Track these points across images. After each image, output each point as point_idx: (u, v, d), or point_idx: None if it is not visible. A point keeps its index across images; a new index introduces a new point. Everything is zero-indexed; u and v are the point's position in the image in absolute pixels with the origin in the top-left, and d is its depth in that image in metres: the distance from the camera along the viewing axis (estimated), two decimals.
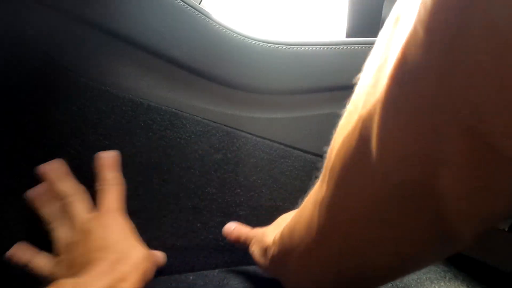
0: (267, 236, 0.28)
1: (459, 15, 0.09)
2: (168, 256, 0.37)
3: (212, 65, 0.41)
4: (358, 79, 0.15)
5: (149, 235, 0.38)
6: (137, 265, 0.27)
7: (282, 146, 0.43)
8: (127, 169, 0.37)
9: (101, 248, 0.27)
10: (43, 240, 0.33)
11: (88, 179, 0.36)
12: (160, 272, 0.37)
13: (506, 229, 0.37)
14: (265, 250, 0.27)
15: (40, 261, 0.31)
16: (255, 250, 0.30)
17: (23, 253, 0.31)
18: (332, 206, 0.16)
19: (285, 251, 0.22)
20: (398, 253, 0.14)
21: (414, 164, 0.11)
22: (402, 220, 0.13)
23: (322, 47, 0.43)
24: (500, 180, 0.10)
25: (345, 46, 0.43)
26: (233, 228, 0.36)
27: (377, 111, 0.12)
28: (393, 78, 0.11)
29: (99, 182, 0.34)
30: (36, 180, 0.35)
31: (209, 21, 0.40)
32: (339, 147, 0.15)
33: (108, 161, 0.34)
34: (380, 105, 0.12)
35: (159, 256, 0.36)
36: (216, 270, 0.40)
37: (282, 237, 0.23)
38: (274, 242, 0.25)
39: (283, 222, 0.30)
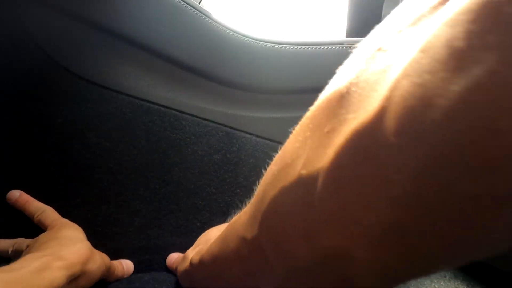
0: (187, 258, 0.27)
1: None
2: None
3: (212, 65, 0.40)
4: None
5: (149, 234, 0.38)
6: (79, 253, 0.28)
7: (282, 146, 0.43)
8: (128, 170, 0.37)
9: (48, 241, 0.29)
10: None
11: (88, 179, 0.36)
12: (163, 268, 0.37)
13: None
14: (184, 272, 0.27)
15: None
16: (178, 272, 0.30)
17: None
18: (258, 251, 0.16)
19: (208, 276, 0.22)
20: None
21: (346, 232, 0.11)
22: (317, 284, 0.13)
23: (322, 47, 0.43)
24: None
25: (345, 46, 0.43)
26: (173, 258, 0.36)
27: (321, 177, 0.11)
28: (347, 148, 0.10)
29: (33, 215, 0.34)
30: (36, 181, 0.35)
31: (209, 20, 0.40)
32: (275, 196, 0.14)
33: (23, 197, 0.34)
34: (324, 173, 0.11)
35: (116, 265, 0.35)
36: None
37: (202, 260, 0.22)
38: (192, 265, 0.24)
39: (203, 240, 0.30)
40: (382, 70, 0.10)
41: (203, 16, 0.39)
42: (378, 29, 0.12)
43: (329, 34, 0.68)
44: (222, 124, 0.41)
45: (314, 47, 0.42)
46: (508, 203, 0.08)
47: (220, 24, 0.40)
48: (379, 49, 0.11)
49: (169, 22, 0.38)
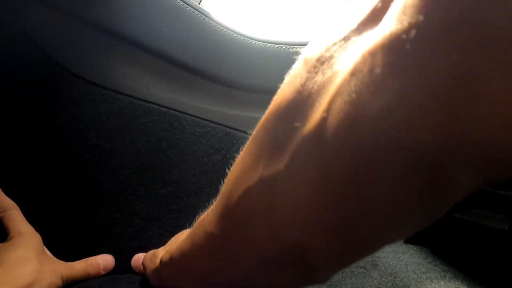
0: (157, 257, 0.28)
1: None
2: None
3: (212, 65, 0.40)
4: None
5: (149, 235, 0.38)
6: (23, 279, 0.28)
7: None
8: (128, 170, 0.37)
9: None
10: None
11: (88, 180, 0.36)
12: None
13: (506, 229, 0.37)
14: (154, 271, 0.27)
15: None
16: (147, 272, 0.30)
17: None
18: (224, 247, 0.17)
19: (177, 273, 0.23)
20: None
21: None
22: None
23: None
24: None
25: None
26: (137, 259, 0.36)
27: (279, 178, 0.13)
28: (297, 152, 0.12)
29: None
30: (36, 181, 0.35)
31: (208, 21, 0.39)
32: (241, 195, 0.15)
33: None
34: (281, 174, 0.13)
35: (90, 264, 0.34)
36: None
37: (171, 258, 0.23)
38: (162, 263, 0.24)
39: (174, 241, 0.30)
40: (322, 83, 0.12)
41: (203, 17, 0.39)
42: (318, 37, 0.13)
43: None
44: (222, 124, 0.41)
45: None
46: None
47: (220, 24, 0.40)
48: (318, 61, 0.12)
49: (169, 22, 0.38)
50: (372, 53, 0.10)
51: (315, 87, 0.12)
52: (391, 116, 0.09)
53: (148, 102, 0.38)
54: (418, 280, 0.39)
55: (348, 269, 0.41)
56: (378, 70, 0.10)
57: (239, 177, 0.15)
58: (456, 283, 0.39)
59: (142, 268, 0.33)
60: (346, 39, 0.11)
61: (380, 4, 0.11)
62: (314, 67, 0.12)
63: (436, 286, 0.38)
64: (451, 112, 0.09)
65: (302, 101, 0.12)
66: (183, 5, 0.38)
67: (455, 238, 0.45)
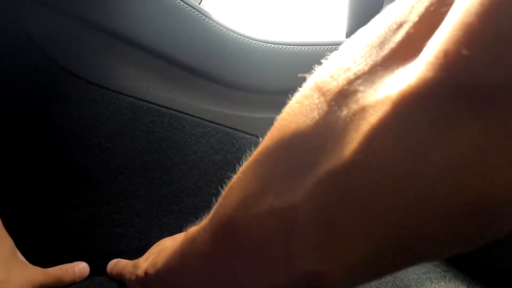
0: (139, 267, 0.27)
1: None
2: None
3: (212, 65, 0.40)
4: None
5: (150, 235, 0.38)
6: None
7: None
8: (128, 170, 0.37)
9: None
10: (37, 242, 0.33)
11: (88, 180, 0.36)
12: None
13: None
14: (138, 280, 0.26)
15: None
16: (127, 281, 0.29)
17: None
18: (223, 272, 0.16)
19: (159, 285, 0.22)
20: None
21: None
22: None
23: (322, 47, 0.43)
24: None
25: None
26: (114, 264, 0.35)
27: (299, 211, 0.12)
28: (323, 185, 0.12)
29: None
30: (37, 181, 0.35)
31: (209, 21, 0.40)
32: (247, 222, 0.14)
33: None
34: (302, 207, 0.12)
35: (65, 271, 0.33)
36: None
37: (159, 273, 0.22)
38: (147, 275, 0.24)
39: (156, 250, 0.30)
40: (349, 118, 0.11)
41: (203, 17, 0.39)
42: (333, 61, 0.13)
43: (329, 34, 0.68)
44: (222, 125, 0.41)
45: (314, 47, 0.42)
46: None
47: (220, 24, 0.40)
48: (340, 93, 0.12)
49: (169, 22, 0.38)
50: (420, 95, 0.09)
51: (340, 122, 0.11)
52: (453, 169, 0.09)
53: (148, 102, 0.38)
54: (418, 280, 0.39)
55: None
56: (429, 115, 0.09)
57: (243, 203, 0.15)
58: (456, 283, 0.39)
59: (116, 274, 0.32)
60: (371, 72, 0.11)
61: (412, 33, 0.10)
62: (336, 100, 0.12)
63: (436, 287, 0.38)
64: (506, 158, 0.08)
65: (324, 135, 0.12)
66: (183, 5, 0.38)
67: None
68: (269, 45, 0.42)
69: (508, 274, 0.37)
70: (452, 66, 0.09)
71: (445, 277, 0.40)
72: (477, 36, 0.08)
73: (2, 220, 0.34)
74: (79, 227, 0.36)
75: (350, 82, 0.11)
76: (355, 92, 0.11)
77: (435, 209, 0.09)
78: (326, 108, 0.12)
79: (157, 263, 0.22)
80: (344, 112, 0.11)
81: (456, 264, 0.44)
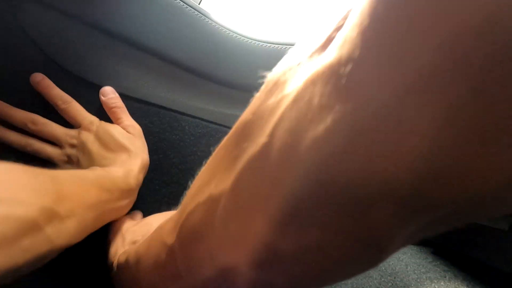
0: (124, 243, 0.28)
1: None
2: None
3: (212, 65, 0.40)
4: None
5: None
6: (142, 160, 0.34)
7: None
8: None
9: (114, 149, 0.34)
10: None
11: None
12: None
13: (506, 229, 0.37)
14: (113, 274, 0.27)
15: (48, 149, 0.35)
16: (110, 242, 0.30)
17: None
18: (175, 261, 0.16)
19: (130, 274, 0.22)
20: None
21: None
22: None
23: None
24: None
25: None
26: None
27: (223, 198, 0.13)
28: (241, 174, 0.12)
29: (56, 102, 0.35)
30: None
31: (208, 21, 0.39)
32: (191, 210, 0.15)
33: (45, 82, 0.34)
34: (225, 195, 0.12)
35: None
36: None
37: (127, 261, 0.22)
38: (119, 266, 0.24)
39: (144, 229, 0.30)
40: (272, 106, 0.12)
41: (203, 17, 0.39)
42: (283, 60, 0.13)
43: None
44: (221, 125, 0.41)
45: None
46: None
47: (219, 24, 0.40)
48: (275, 84, 0.12)
49: (169, 22, 0.38)
50: (313, 82, 0.10)
51: (268, 110, 0.12)
52: (321, 149, 0.09)
53: (148, 102, 0.38)
54: (418, 280, 0.39)
55: None
56: (315, 100, 0.10)
57: (195, 193, 0.15)
58: (456, 283, 0.39)
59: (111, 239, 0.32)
60: (299, 64, 0.12)
61: (334, 34, 0.11)
62: (271, 90, 0.12)
63: (436, 286, 0.38)
64: (376, 149, 0.09)
65: (254, 123, 0.12)
66: (183, 5, 0.38)
67: (455, 238, 0.45)
68: (269, 45, 0.42)
69: (508, 274, 0.37)
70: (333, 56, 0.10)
71: (445, 277, 0.40)
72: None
73: None
74: None
75: (285, 73, 0.12)
76: (285, 81, 0.12)
77: (317, 196, 0.10)
78: (263, 97, 0.13)
79: (129, 252, 0.22)
80: (272, 99, 0.12)
81: (456, 264, 0.44)
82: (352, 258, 0.10)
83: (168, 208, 0.39)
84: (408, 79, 0.08)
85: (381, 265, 0.42)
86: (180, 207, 0.17)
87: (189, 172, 0.40)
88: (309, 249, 0.10)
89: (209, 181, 0.14)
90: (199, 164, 0.40)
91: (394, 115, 0.08)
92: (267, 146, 0.11)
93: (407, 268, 0.42)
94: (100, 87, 0.37)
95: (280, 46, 0.42)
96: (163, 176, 0.39)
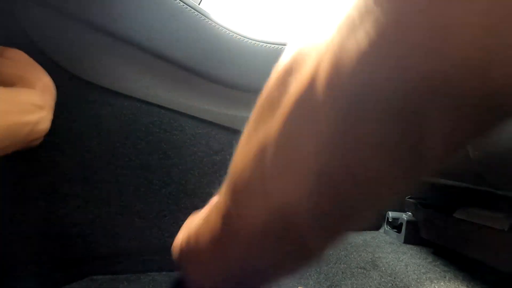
0: (177, 238, 0.29)
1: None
2: (169, 255, 0.38)
3: (212, 65, 0.41)
4: None
5: (150, 234, 0.38)
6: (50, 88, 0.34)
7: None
8: (129, 171, 0.37)
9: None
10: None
11: (89, 180, 0.36)
12: (162, 269, 0.37)
13: (506, 229, 0.36)
14: (177, 259, 0.28)
15: None
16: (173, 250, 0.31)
17: None
18: (232, 222, 0.17)
19: (192, 254, 0.23)
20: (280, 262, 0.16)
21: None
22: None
23: None
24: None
25: None
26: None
27: (270, 145, 0.13)
28: (289, 116, 0.13)
29: None
30: (37, 182, 0.35)
31: (208, 21, 0.40)
32: (242, 165, 0.15)
33: None
34: (273, 139, 0.13)
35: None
36: None
37: (188, 242, 0.23)
38: (182, 250, 0.25)
39: (191, 224, 0.31)
40: (311, 47, 0.12)
41: (203, 17, 0.39)
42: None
43: None
44: (222, 125, 0.41)
45: None
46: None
47: (219, 25, 0.40)
48: (286, 70, 0.13)
49: (169, 23, 0.38)
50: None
51: (305, 50, 0.13)
52: (368, 59, 0.10)
53: (148, 102, 0.38)
54: (418, 280, 0.39)
55: (348, 270, 0.41)
56: (355, 16, 0.10)
57: (242, 149, 0.16)
58: (456, 283, 0.39)
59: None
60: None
61: None
62: (283, 77, 0.13)
63: (436, 287, 0.38)
64: (421, 47, 0.09)
65: (297, 61, 0.13)
66: (183, 5, 0.38)
67: (455, 238, 0.45)
68: (269, 45, 0.42)
69: (508, 274, 0.37)
70: None
71: (445, 277, 0.40)
72: None
73: (1, 220, 0.34)
74: (79, 227, 0.36)
75: (296, 60, 0.13)
76: (297, 68, 0.12)
77: (366, 112, 0.10)
78: (300, 43, 0.13)
79: (190, 235, 0.23)
80: (308, 42, 0.13)
81: (456, 264, 0.44)
82: (402, 171, 0.11)
83: (167, 208, 0.39)
84: None
85: (381, 265, 0.42)
86: (229, 174, 0.18)
87: (189, 172, 0.40)
88: (357, 170, 0.11)
89: (254, 129, 0.15)
90: (199, 164, 0.40)
91: (439, 11, 0.09)
92: (314, 78, 0.12)
93: (407, 268, 0.42)
94: (100, 87, 0.37)
95: (280, 46, 0.42)
96: (163, 176, 0.39)
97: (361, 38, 0.10)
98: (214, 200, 0.20)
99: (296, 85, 0.12)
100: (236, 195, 0.16)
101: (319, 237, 0.14)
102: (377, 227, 0.61)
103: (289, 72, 0.13)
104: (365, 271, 0.40)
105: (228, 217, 0.17)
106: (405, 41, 0.09)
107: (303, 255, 0.15)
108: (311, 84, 0.12)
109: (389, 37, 0.10)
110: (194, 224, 0.23)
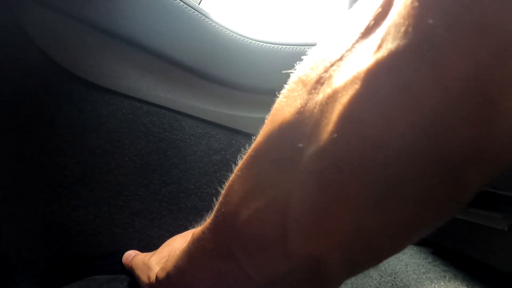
0: (151, 269, 0.28)
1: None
2: None
3: (212, 65, 0.41)
4: None
5: (150, 234, 0.38)
6: None
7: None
8: (128, 170, 0.37)
9: None
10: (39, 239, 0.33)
11: (89, 180, 0.36)
12: None
13: (506, 229, 0.36)
14: (149, 282, 0.26)
15: None
16: (140, 282, 0.29)
17: None
18: (242, 273, 0.16)
19: None
20: None
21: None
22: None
23: None
24: None
25: None
26: (130, 257, 0.34)
27: (292, 198, 0.13)
28: (309, 172, 0.12)
29: None
30: (37, 182, 0.35)
31: (208, 21, 0.40)
32: (249, 215, 0.15)
33: None
34: (293, 197, 0.13)
35: None
36: None
37: (169, 276, 0.22)
38: (158, 280, 0.24)
39: (166, 250, 0.30)
40: (324, 102, 0.12)
41: (203, 17, 0.39)
42: (312, 56, 0.14)
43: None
44: (221, 125, 0.41)
45: (314, 47, 0.42)
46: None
47: (219, 25, 0.40)
48: (317, 82, 0.12)
49: (169, 22, 0.38)
50: (383, 68, 0.10)
51: (317, 107, 0.12)
52: (415, 129, 0.10)
53: (148, 102, 0.38)
54: (418, 280, 0.39)
55: None
56: (393, 86, 0.10)
57: (244, 199, 0.15)
58: (456, 283, 0.39)
59: (129, 267, 0.33)
60: (342, 58, 0.12)
61: (372, 23, 0.11)
62: (315, 88, 0.12)
63: (436, 287, 0.38)
64: (466, 119, 0.09)
65: (305, 122, 0.12)
66: (183, 5, 0.38)
67: (455, 238, 0.45)
68: (269, 45, 0.42)
69: (508, 274, 0.37)
70: (414, 35, 0.09)
71: (445, 277, 0.40)
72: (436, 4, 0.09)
73: (1, 220, 0.34)
74: (79, 227, 0.36)
75: (326, 70, 0.12)
76: (330, 77, 0.12)
77: (411, 173, 0.10)
78: (306, 96, 0.13)
79: (167, 267, 0.22)
80: (320, 96, 0.12)
81: (456, 264, 0.44)
82: (437, 218, 0.11)
83: (167, 208, 0.39)
84: (495, 49, 0.09)
85: (381, 265, 0.42)
86: (216, 215, 0.17)
87: (189, 172, 0.40)
88: (397, 223, 0.11)
89: (260, 187, 0.14)
90: (199, 164, 0.40)
91: (480, 88, 0.09)
92: (336, 139, 0.11)
93: (407, 268, 0.42)
94: (100, 87, 0.37)
95: (280, 46, 0.42)
96: (163, 176, 0.39)
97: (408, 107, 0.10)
98: (196, 233, 0.19)
99: (310, 146, 0.12)
100: (243, 246, 0.16)
101: (342, 277, 0.14)
102: None
103: (296, 130, 0.13)
104: (365, 271, 0.40)
105: (234, 265, 0.16)
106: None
107: None
108: (330, 147, 0.11)
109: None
110: (172, 257, 0.22)
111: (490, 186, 0.32)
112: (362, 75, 0.10)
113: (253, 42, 0.41)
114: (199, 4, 0.42)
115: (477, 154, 0.10)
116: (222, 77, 0.41)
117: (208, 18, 0.39)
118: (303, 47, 0.42)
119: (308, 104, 0.12)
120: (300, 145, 0.12)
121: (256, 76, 0.42)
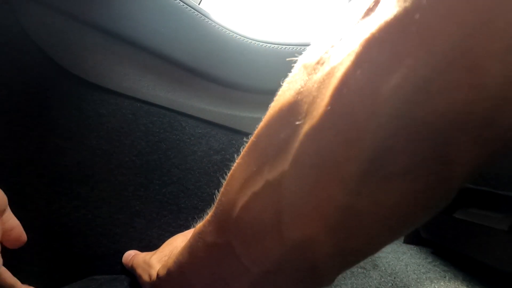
0: (152, 267, 0.28)
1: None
2: None
3: (212, 65, 0.41)
4: None
5: (150, 234, 0.38)
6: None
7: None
8: (128, 171, 0.37)
9: None
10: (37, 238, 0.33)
11: (89, 180, 0.36)
12: None
13: (506, 229, 0.36)
14: (152, 285, 0.26)
15: None
16: (140, 281, 0.29)
17: None
18: (239, 262, 0.16)
19: (177, 285, 0.22)
20: None
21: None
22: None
23: None
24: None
25: None
26: (130, 257, 0.35)
27: (285, 178, 0.13)
28: (302, 150, 0.12)
29: None
30: (36, 182, 0.35)
31: (208, 21, 0.40)
32: (246, 202, 0.15)
33: None
34: (287, 174, 0.13)
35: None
36: None
37: (169, 273, 0.22)
38: (159, 278, 0.24)
39: (167, 248, 0.30)
40: (322, 79, 0.12)
41: (203, 17, 0.39)
42: (315, 44, 0.14)
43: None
44: (221, 125, 0.41)
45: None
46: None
47: (219, 25, 0.40)
48: (317, 63, 0.13)
49: (169, 22, 0.38)
50: (376, 39, 0.10)
51: (315, 85, 0.12)
52: (401, 95, 0.10)
53: (148, 102, 0.38)
54: (418, 280, 0.39)
55: (348, 270, 0.41)
56: (384, 55, 0.10)
57: (243, 185, 0.15)
58: (456, 283, 0.39)
59: (130, 267, 0.33)
60: (342, 39, 0.12)
61: (373, 4, 0.11)
62: (314, 69, 0.13)
63: (436, 286, 0.38)
64: (454, 83, 0.09)
65: (303, 100, 0.13)
66: (183, 5, 0.38)
67: (455, 238, 0.45)
68: (269, 45, 0.42)
69: (508, 274, 0.37)
70: (405, 2, 0.10)
71: (445, 277, 0.40)
72: None
73: None
74: (79, 227, 0.36)
75: (327, 51, 0.12)
76: (329, 57, 0.12)
77: (400, 142, 0.10)
78: (306, 77, 0.13)
79: (168, 264, 0.22)
80: (319, 75, 0.12)
81: (456, 264, 0.44)
82: (428, 200, 0.11)
83: (167, 208, 0.39)
84: (481, 13, 0.09)
85: (381, 265, 0.42)
86: (218, 206, 0.17)
87: (189, 172, 0.40)
88: (385, 203, 0.11)
89: (258, 170, 0.14)
90: (199, 164, 0.40)
91: (467, 52, 0.09)
92: (328, 113, 0.11)
93: (407, 268, 0.42)
94: (100, 87, 0.37)
95: (280, 46, 0.42)
96: (163, 176, 0.39)
97: (392, 72, 0.10)
98: (198, 227, 0.19)
99: (306, 123, 0.12)
100: (240, 234, 0.16)
101: (335, 266, 0.14)
102: None
103: (295, 110, 0.13)
104: (365, 271, 0.40)
105: (232, 256, 0.16)
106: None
107: (316, 282, 0.15)
108: (324, 121, 0.11)
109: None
110: (174, 254, 0.22)
111: (490, 186, 0.32)
112: (358, 48, 0.11)
113: (253, 42, 0.41)
114: (199, 4, 0.42)
115: (465, 120, 0.09)
116: (222, 77, 0.41)
117: (208, 18, 0.39)
118: (303, 47, 0.42)
119: (307, 84, 0.13)
120: (297, 122, 0.13)
121: (256, 76, 0.42)
